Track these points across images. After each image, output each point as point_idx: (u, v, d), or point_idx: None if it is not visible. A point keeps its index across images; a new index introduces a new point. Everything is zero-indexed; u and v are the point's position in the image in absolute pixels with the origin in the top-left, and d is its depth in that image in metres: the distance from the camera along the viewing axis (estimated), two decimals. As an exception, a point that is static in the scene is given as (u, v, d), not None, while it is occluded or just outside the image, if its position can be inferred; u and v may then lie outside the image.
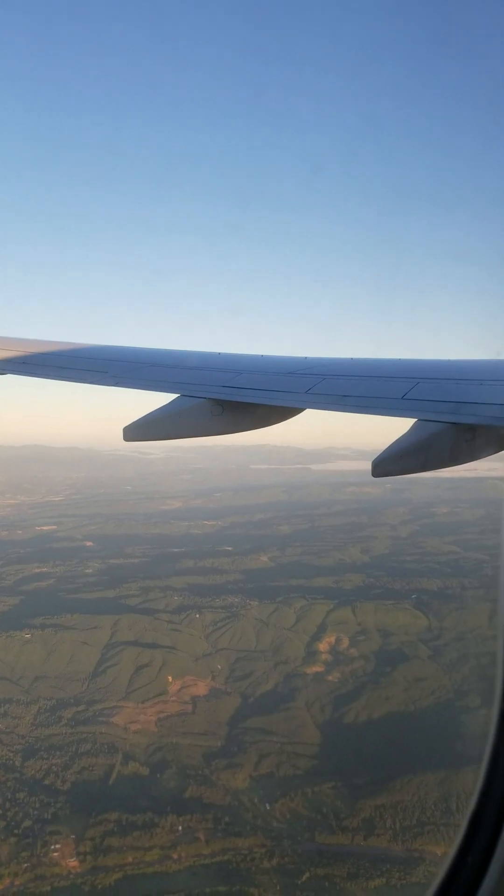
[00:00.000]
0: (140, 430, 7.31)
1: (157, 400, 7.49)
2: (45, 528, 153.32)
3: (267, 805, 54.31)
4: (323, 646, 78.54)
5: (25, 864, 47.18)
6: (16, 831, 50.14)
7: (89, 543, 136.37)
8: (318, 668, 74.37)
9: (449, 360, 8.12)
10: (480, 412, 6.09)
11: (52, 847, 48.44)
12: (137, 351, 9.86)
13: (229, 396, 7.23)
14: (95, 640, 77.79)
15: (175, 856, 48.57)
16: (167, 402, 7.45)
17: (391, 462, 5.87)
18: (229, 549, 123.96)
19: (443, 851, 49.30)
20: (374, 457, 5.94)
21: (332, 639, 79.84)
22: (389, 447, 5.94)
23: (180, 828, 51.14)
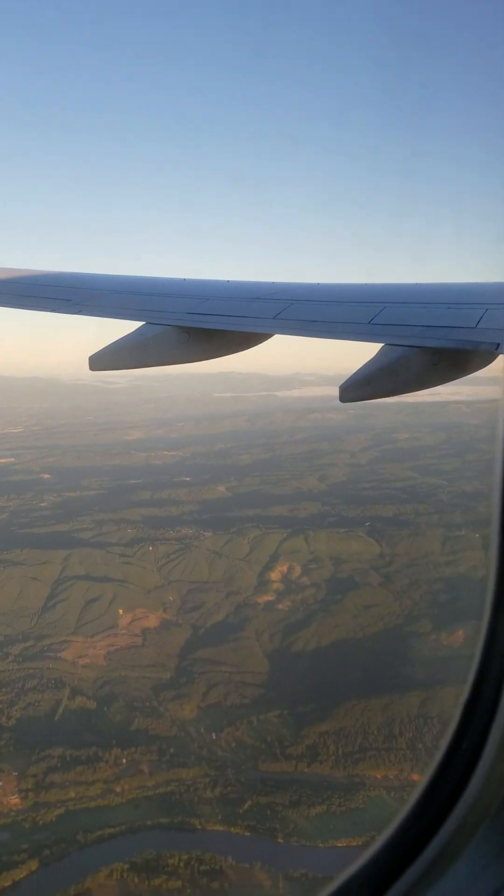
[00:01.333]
0: (105, 360, 7.11)
1: (122, 329, 7.31)
2: (1, 460, 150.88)
3: (213, 735, 54.58)
4: (275, 575, 78.41)
5: (-35, 803, 47.08)
6: (-43, 770, 49.92)
7: (46, 476, 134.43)
8: (269, 598, 74.34)
9: (417, 285, 8.05)
10: (446, 336, 6.11)
11: (-7, 785, 48.35)
12: (101, 278, 9.57)
13: (195, 323, 7.08)
14: (46, 575, 76.81)
15: (118, 789, 48.72)
16: (132, 330, 7.26)
17: (358, 387, 5.88)
18: (187, 479, 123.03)
19: (382, 775, 50.10)
20: (341, 382, 5.92)
21: (285, 568, 79.73)
22: (356, 372, 5.91)
23: (124, 761, 51.24)
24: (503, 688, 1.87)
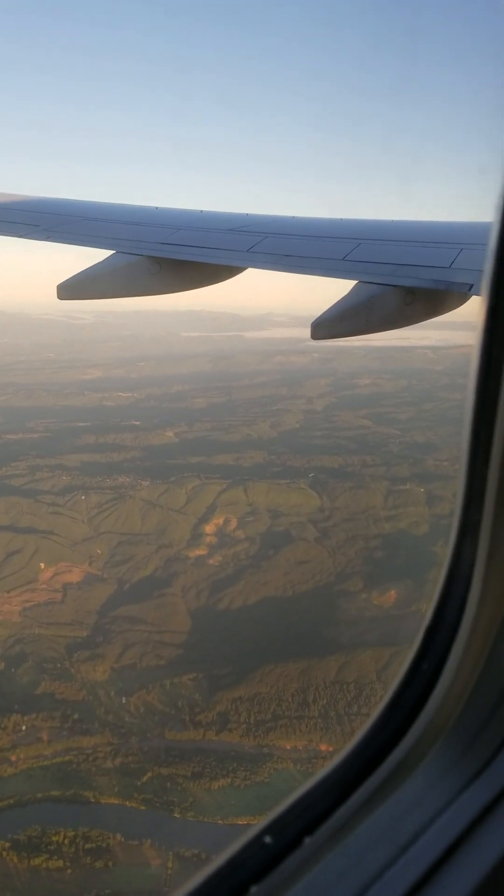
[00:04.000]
0: (74, 289, 6.86)
1: (94, 259, 6.98)
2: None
3: (123, 699, 52.14)
4: (209, 528, 75.54)
5: None
6: None
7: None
8: (200, 552, 71.55)
9: (393, 221, 7.82)
10: (420, 275, 6.03)
11: None
12: (71, 203, 9.14)
13: (167, 254, 6.89)
14: (-33, 525, 73.38)
15: (13, 758, 46.16)
16: (101, 259, 7.00)
17: (330, 324, 5.74)
18: (137, 423, 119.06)
19: (291, 746, 48.02)
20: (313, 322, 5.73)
21: (221, 520, 76.84)
22: (329, 309, 5.78)
23: (24, 727, 48.60)
24: (464, 608, 1.95)
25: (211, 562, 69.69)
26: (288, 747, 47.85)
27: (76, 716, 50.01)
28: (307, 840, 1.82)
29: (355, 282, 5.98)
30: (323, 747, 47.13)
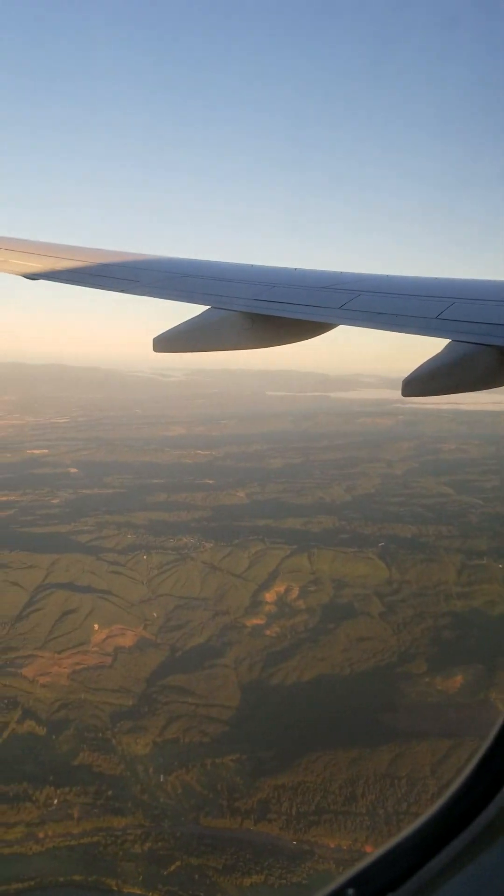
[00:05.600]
0: (169, 342, 7.02)
1: (189, 314, 7.16)
2: (36, 451, 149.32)
3: (161, 777, 49.56)
4: (270, 595, 72.88)
5: None
6: None
7: (74, 470, 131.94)
8: (258, 621, 68.84)
9: (486, 281, 7.75)
10: None
11: None
12: (168, 261, 9.50)
13: (260, 310, 7.01)
14: (28, 580, 73.09)
15: (41, 835, 44.12)
16: (196, 314, 7.15)
17: (422, 382, 5.65)
18: (210, 482, 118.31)
19: (335, 844, 44.19)
20: (400, 385, 5.68)
21: (282, 588, 74.11)
22: (421, 366, 5.74)
23: (56, 802, 46.55)
24: None
25: (268, 632, 66.84)
26: (331, 846, 44.01)
27: (110, 792, 47.68)
28: None
29: (448, 341, 5.88)
30: (368, 849, 43.00)
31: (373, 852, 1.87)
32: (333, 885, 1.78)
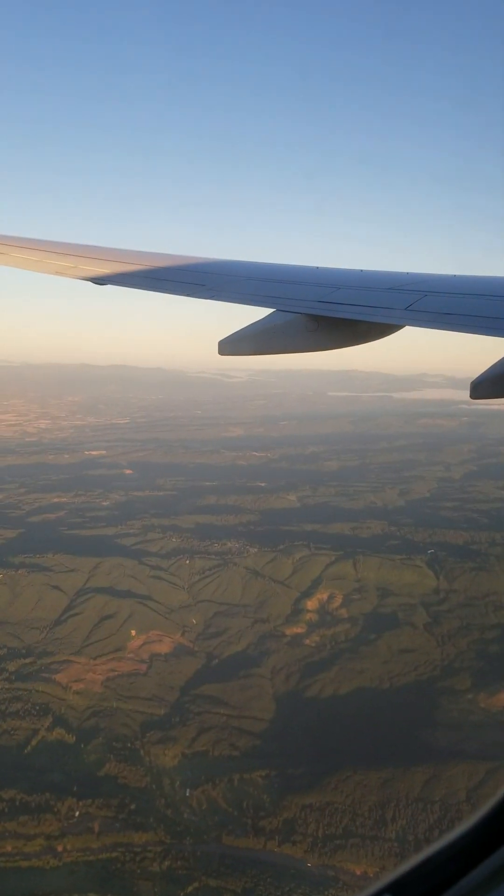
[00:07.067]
0: (234, 345, 7.07)
1: (248, 319, 7.16)
2: (94, 452, 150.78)
3: (187, 791, 48.31)
4: (312, 603, 70.99)
5: None
6: None
7: (128, 471, 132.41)
8: (298, 630, 67.06)
9: None
10: None
11: None
12: (233, 264, 9.54)
13: (325, 312, 6.93)
14: (69, 584, 72.98)
15: (59, 848, 43.28)
16: (261, 317, 7.18)
17: (492, 383, 5.51)
18: (262, 484, 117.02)
19: (361, 871, 42.11)
20: (468, 384, 5.56)
21: (325, 596, 72.11)
22: (491, 367, 5.61)
23: (77, 814, 45.74)
24: None
25: (307, 642, 64.99)
26: (357, 872, 41.96)
27: (133, 806, 46.62)
28: None
29: None
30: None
31: (413, 858, 1.81)
32: (371, 889, 1.74)
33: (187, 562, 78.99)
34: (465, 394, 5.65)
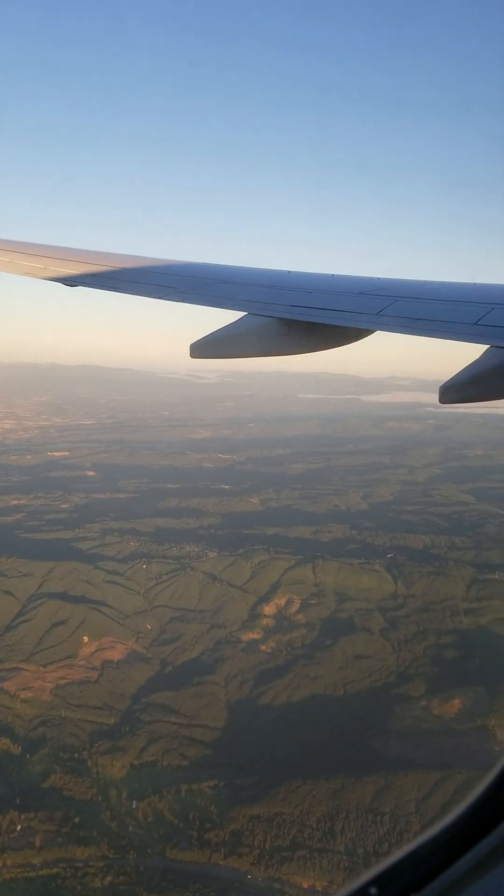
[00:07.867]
0: (206, 348, 7.06)
1: (221, 321, 7.06)
2: (57, 454, 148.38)
3: (133, 803, 47.19)
4: (269, 608, 70.19)
5: None
6: None
7: (91, 473, 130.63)
8: (254, 635, 66.19)
9: None
10: None
11: None
12: (205, 267, 9.51)
13: (298, 316, 7.00)
14: (21, 589, 71.42)
15: (-2, 864, 42.03)
16: (233, 320, 7.19)
17: (459, 388, 5.66)
18: (226, 487, 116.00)
19: (309, 885, 41.32)
20: (437, 388, 5.69)
21: (283, 601, 71.36)
22: (459, 373, 5.74)
23: (19, 828, 44.43)
24: None
25: (263, 647, 64.15)
26: (304, 885, 41.17)
27: (78, 819, 45.37)
28: None
29: (487, 347, 5.71)
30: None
31: (397, 851, 1.83)
32: (356, 884, 1.74)
33: (144, 566, 77.82)
34: (434, 397, 5.75)
